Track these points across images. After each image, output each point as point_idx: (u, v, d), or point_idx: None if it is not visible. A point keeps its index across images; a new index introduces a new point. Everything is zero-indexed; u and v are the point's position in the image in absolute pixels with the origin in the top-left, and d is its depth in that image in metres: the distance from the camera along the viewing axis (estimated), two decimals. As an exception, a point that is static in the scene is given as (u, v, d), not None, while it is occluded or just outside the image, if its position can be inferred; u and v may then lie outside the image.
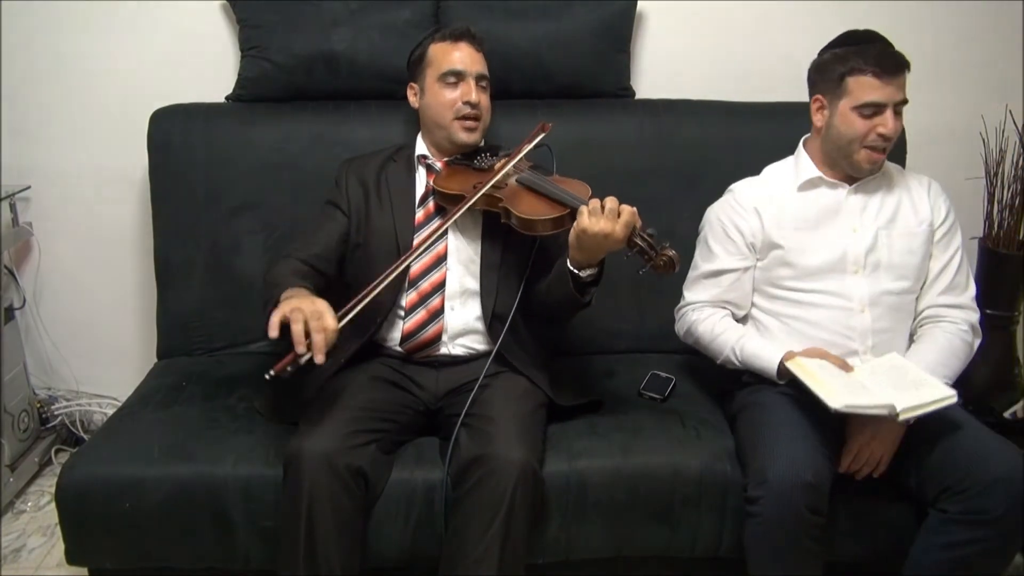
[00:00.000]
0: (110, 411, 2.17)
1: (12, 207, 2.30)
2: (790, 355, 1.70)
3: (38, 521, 2.17)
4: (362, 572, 1.61)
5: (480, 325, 1.82)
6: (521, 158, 1.79)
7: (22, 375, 2.34)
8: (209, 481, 1.64)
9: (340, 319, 1.52)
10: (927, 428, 1.63)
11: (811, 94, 1.83)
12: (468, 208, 1.72)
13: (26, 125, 2.28)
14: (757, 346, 1.76)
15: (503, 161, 1.81)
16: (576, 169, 1.82)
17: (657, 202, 2.08)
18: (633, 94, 2.27)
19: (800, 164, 1.86)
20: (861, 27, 1.82)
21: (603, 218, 1.56)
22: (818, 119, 1.81)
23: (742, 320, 1.88)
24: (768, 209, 1.83)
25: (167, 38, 2.24)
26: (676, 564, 1.76)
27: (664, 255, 1.58)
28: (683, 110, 2.19)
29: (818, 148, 1.83)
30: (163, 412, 1.84)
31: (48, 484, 2.30)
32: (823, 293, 1.79)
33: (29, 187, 2.30)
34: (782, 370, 1.70)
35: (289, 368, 1.47)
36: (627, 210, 1.57)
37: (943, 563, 1.58)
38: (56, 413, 2.44)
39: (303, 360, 1.47)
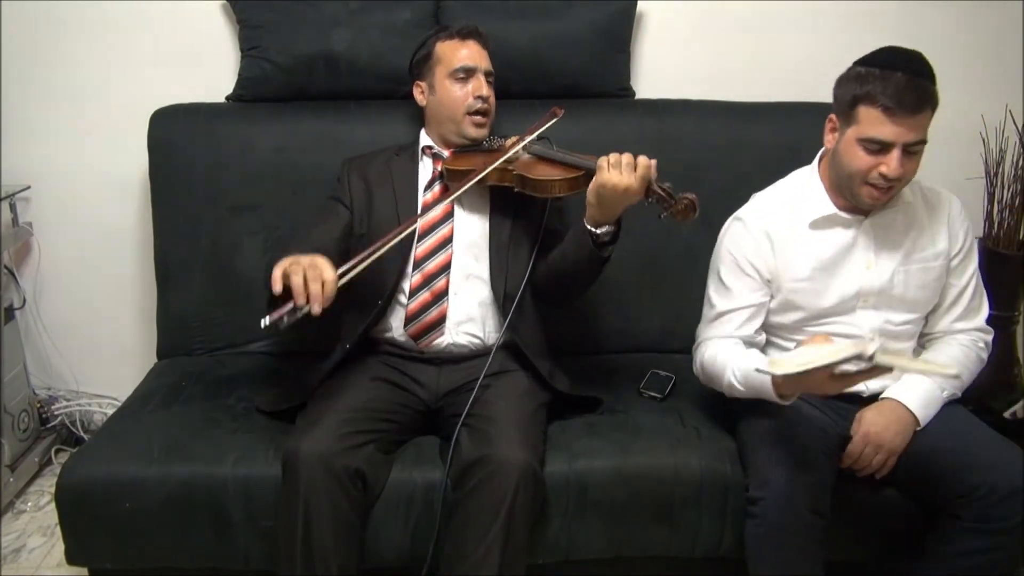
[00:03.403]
0: (110, 411, 2.17)
1: (12, 207, 2.29)
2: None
3: (38, 521, 2.17)
4: (362, 572, 1.61)
5: (487, 312, 1.82)
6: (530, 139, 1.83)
7: (22, 375, 2.34)
8: (209, 481, 1.64)
9: (341, 275, 1.53)
10: (939, 432, 1.62)
11: (833, 110, 1.65)
12: (478, 183, 1.75)
13: (26, 125, 2.27)
14: (754, 363, 1.58)
15: (514, 139, 1.84)
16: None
17: (657, 202, 2.09)
18: (633, 94, 2.27)
19: (813, 193, 1.70)
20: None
21: (621, 171, 1.61)
22: (828, 140, 1.66)
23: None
24: (781, 246, 1.69)
25: (167, 38, 2.23)
26: (676, 564, 1.76)
27: (684, 200, 1.63)
28: (683, 110, 2.19)
29: (827, 172, 1.69)
30: (163, 412, 1.83)
31: (48, 484, 2.29)
32: (831, 325, 1.70)
33: (29, 187, 2.30)
34: (776, 381, 1.52)
35: (286, 319, 1.46)
36: (643, 162, 1.63)
37: (955, 570, 1.56)
38: (56, 413, 2.44)
39: (300, 313, 1.46)
